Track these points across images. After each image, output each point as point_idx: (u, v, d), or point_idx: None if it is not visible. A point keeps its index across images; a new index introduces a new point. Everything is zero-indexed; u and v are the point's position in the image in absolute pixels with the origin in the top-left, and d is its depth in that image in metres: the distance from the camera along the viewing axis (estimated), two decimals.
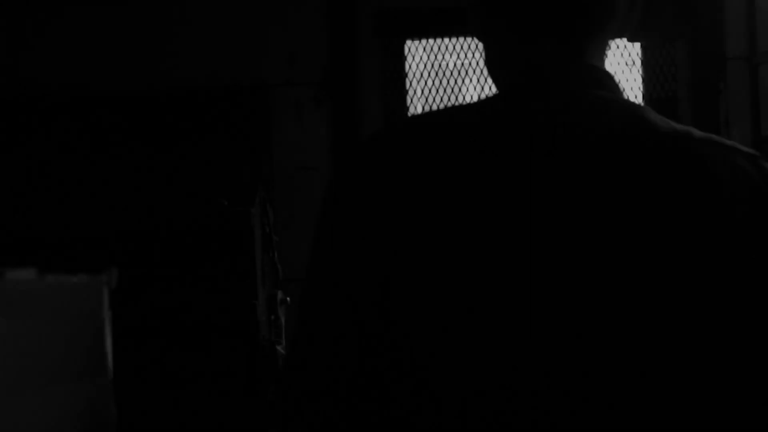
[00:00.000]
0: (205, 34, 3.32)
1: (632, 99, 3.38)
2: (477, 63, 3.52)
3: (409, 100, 3.48)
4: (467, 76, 3.59)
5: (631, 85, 3.40)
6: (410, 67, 3.48)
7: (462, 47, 3.53)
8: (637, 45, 3.33)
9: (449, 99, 3.55)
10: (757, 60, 3.14)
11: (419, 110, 3.52)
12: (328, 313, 0.85)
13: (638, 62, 3.35)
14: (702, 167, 0.79)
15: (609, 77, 0.89)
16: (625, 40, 3.28)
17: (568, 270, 0.76)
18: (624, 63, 3.40)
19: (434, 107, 3.52)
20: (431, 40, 3.48)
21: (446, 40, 3.49)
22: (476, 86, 3.57)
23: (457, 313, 0.76)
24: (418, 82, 3.52)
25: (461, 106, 0.98)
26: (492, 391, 0.75)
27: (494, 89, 0.94)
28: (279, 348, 2.87)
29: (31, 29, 3.34)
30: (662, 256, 0.76)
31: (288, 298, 3.04)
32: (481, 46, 0.94)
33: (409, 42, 3.46)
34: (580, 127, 0.80)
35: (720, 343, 0.78)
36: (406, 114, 3.47)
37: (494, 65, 0.94)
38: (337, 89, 3.29)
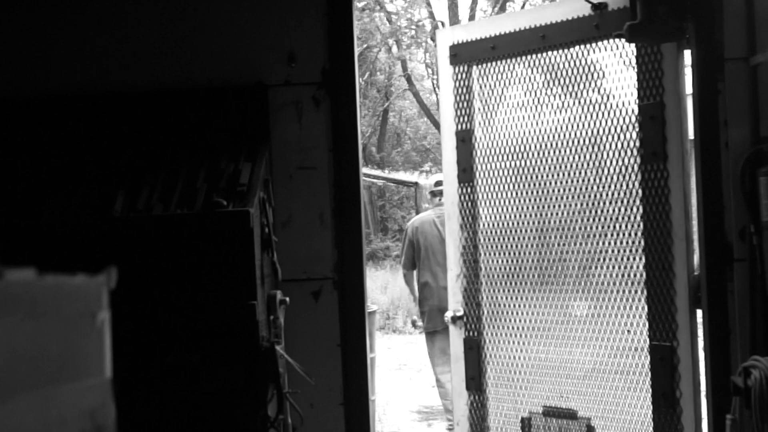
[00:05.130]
0: (205, 34, 3.32)
1: (626, 101, 3.39)
2: (511, 80, 3.65)
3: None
4: (503, 92, 3.75)
5: (624, 87, 3.40)
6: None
7: (503, 68, 3.76)
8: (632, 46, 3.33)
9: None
10: (755, 61, 3.15)
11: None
12: (406, 252, 7.01)
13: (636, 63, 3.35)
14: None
15: None
16: (623, 40, 3.29)
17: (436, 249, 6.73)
18: (619, 64, 3.41)
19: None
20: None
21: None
22: (507, 101, 3.69)
23: (421, 256, 6.81)
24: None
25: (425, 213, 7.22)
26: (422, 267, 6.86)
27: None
28: (278, 348, 2.88)
29: (33, 31, 3.35)
30: None
31: (287, 298, 3.05)
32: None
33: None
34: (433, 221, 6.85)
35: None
36: None
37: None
38: (336, 90, 3.30)
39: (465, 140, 3.91)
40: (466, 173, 3.93)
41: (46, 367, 0.86)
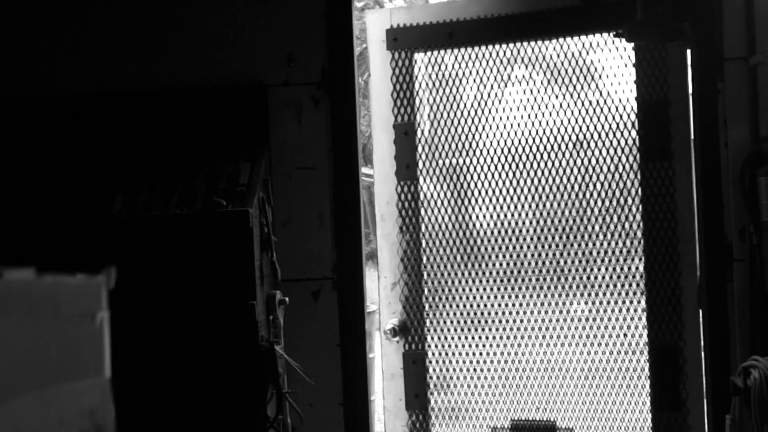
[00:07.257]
0: (204, 34, 3.32)
1: (625, 101, 3.38)
2: (476, 72, 3.56)
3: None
4: (467, 84, 3.63)
5: (624, 87, 3.39)
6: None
7: (462, 58, 3.60)
8: (630, 45, 3.33)
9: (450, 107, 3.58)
10: (755, 60, 3.15)
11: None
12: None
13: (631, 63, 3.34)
14: None
15: None
16: (622, 40, 3.29)
17: None
18: (617, 63, 3.40)
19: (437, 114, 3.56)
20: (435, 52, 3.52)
21: (448, 51, 3.54)
22: (475, 94, 3.60)
23: None
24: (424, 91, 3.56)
25: None
26: None
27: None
28: (278, 348, 2.88)
29: (33, 31, 3.35)
30: None
31: (286, 299, 3.05)
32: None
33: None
34: None
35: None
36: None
37: None
38: (335, 90, 3.30)
39: (408, 134, 3.57)
40: (409, 170, 3.57)
41: (45, 367, 0.86)
